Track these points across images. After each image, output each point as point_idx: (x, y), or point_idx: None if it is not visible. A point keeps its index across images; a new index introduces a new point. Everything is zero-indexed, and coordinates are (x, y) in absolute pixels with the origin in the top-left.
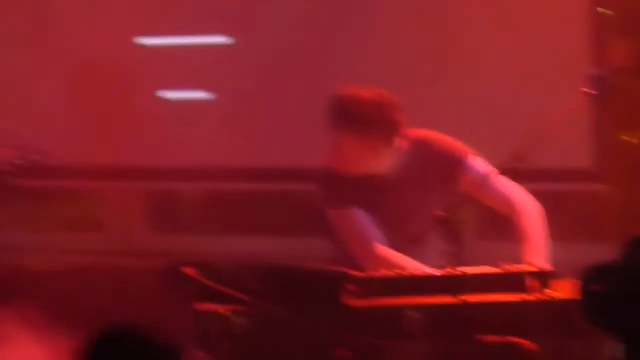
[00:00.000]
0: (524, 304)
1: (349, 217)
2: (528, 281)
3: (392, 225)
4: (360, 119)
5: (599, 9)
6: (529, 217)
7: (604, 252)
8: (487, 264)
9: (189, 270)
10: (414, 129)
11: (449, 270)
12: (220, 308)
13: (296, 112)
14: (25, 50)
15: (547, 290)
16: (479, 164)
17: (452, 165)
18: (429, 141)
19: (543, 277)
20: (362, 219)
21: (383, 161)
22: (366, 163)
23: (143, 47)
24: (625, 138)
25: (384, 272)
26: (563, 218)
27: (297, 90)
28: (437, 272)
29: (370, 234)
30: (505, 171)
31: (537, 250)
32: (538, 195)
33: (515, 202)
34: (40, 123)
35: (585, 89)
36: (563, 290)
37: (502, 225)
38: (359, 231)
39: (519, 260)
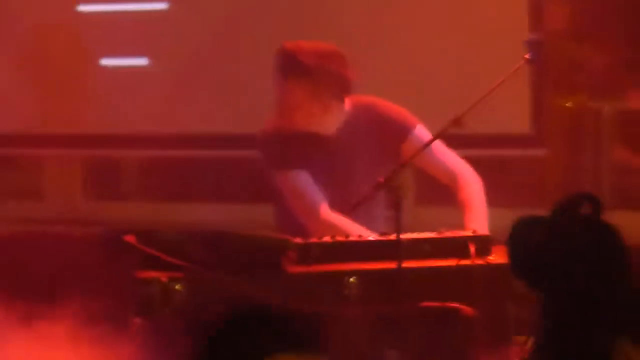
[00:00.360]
0: (464, 269)
1: (294, 178)
2: (468, 247)
3: (335, 190)
4: (310, 67)
5: None
6: (470, 187)
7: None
8: (427, 230)
9: (130, 238)
10: (359, 95)
11: (389, 236)
12: (161, 275)
13: (237, 78)
14: None
15: (487, 256)
16: (423, 132)
17: (397, 132)
18: (374, 107)
19: (483, 243)
20: (306, 181)
21: (331, 119)
22: (314, 118)
23: (84, 14)
24: (563, 103)
25: (324, 238)
26: (503, 183)
27: (238, 56)
28: (377, 237)
29: (315, 196)
30: (444, 137)
31: (479, 217)
32: (478, 160)
33: (457, 173)
34: None
35: (523, 54)
36: (503, 256)
37: (442, 191)
38: (304, 193)
39: (459, 227)
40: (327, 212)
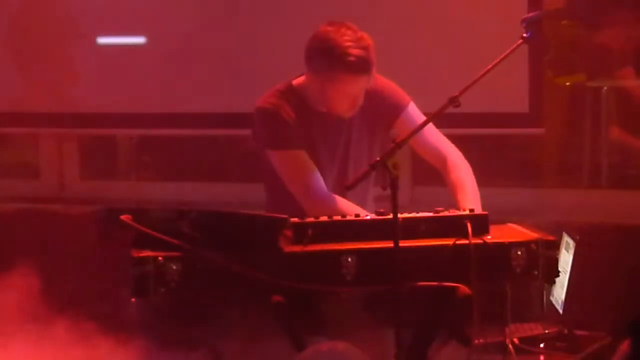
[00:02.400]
0: (462, 248)
1: (291, 158)
2: (466, 226)
3: (333, 165)
4: (366, 60)
5: None
6: (460, 169)
7: (542, 196)
8: (424, 209)
9: (125, 217)
10: None
11: (386, 216)
12: (157, 255)
13: (233, 58)
14: None
15: (484, 235)
16: (415, 111)
17: (391, 109)
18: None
19: (481, 222)
20: (304, 161)
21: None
22: (361, 100)
23: None
24: (562, 82)
25: (321, 218)
26: (501, 162)
27: (235, 35)
28: (374, 217)
29: (312, 176)
30: (442, 116)
31: (472, 197)
32: (476, 140)
33: (447, 156)
34: None
35: (521, 33)
36: (500, 234)
37: (437, 171)
38: (301, 173)
39: (455, 206)
40: (324, 193)
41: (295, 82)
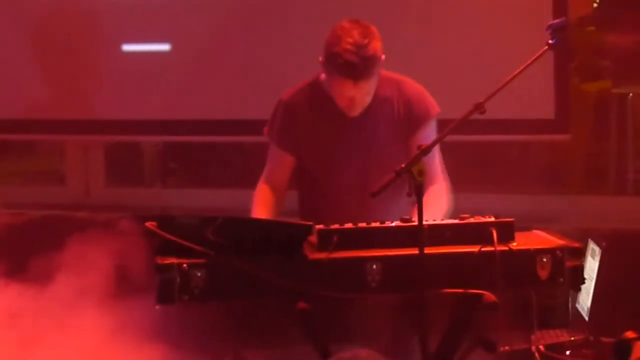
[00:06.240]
0: (487, 255)
1: (272, 154)
2: (491, 233)
3: (351, 163)
4: (361, 68)
5: None
6: (432, 194)
7: (567, 203)
8: (449, 216)
9: (150, 224)
10: (387, 71)
11: (411, 222)
12: (182, 262)
13: (258, 64)
14: None
15: (510, 242)
16: (434, 129)
17: (415, 118)
18: (400, 85)
19: (506, 229)
20: (277, 164)
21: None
22: (365, 102)
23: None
24: (588, 88)
25: (346, 225)
26: (527, 169)
27: (259, 41)
28: (399, 224)
29: (266, 177)
30: (468, 122)
31: (433, 209)
32: (502, 146)
33: (433, 182)
34: (1, 76)
35: (547, 40)
36: (526, 241)
37: (463, 177)
38: (266, 170)
39: (481, 213)
40: (258, 189)
41: (323, 75)
